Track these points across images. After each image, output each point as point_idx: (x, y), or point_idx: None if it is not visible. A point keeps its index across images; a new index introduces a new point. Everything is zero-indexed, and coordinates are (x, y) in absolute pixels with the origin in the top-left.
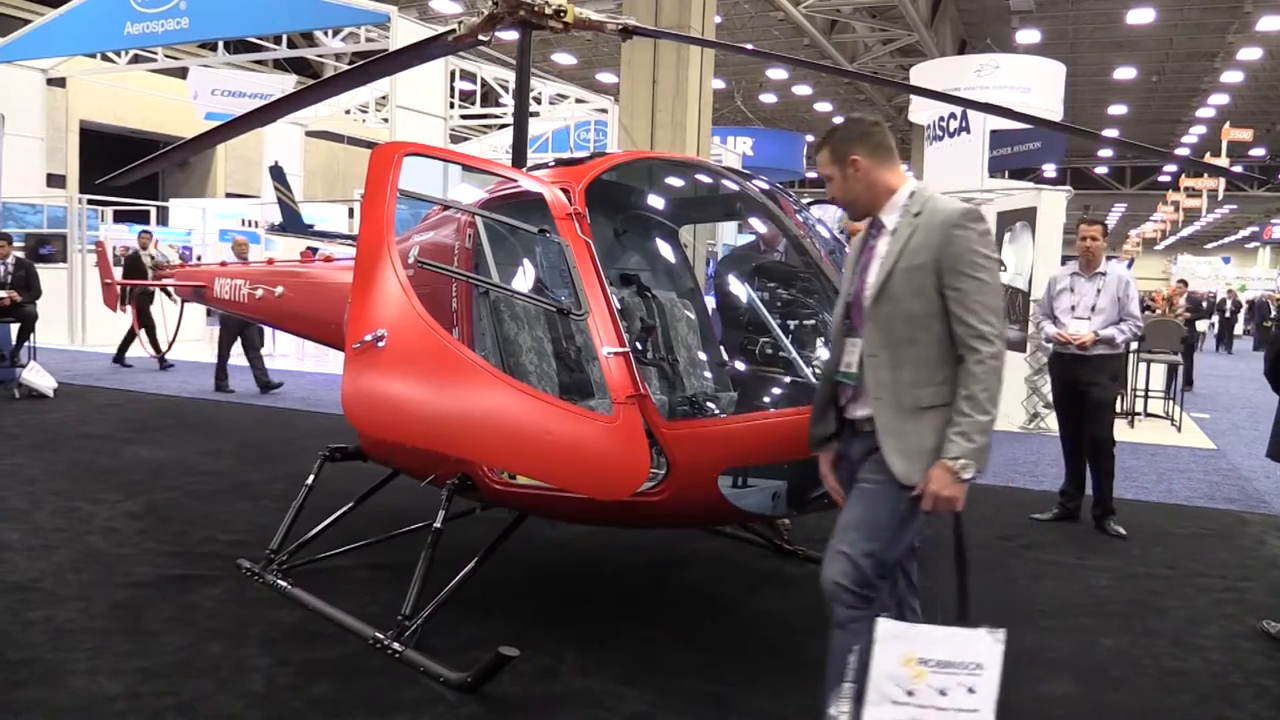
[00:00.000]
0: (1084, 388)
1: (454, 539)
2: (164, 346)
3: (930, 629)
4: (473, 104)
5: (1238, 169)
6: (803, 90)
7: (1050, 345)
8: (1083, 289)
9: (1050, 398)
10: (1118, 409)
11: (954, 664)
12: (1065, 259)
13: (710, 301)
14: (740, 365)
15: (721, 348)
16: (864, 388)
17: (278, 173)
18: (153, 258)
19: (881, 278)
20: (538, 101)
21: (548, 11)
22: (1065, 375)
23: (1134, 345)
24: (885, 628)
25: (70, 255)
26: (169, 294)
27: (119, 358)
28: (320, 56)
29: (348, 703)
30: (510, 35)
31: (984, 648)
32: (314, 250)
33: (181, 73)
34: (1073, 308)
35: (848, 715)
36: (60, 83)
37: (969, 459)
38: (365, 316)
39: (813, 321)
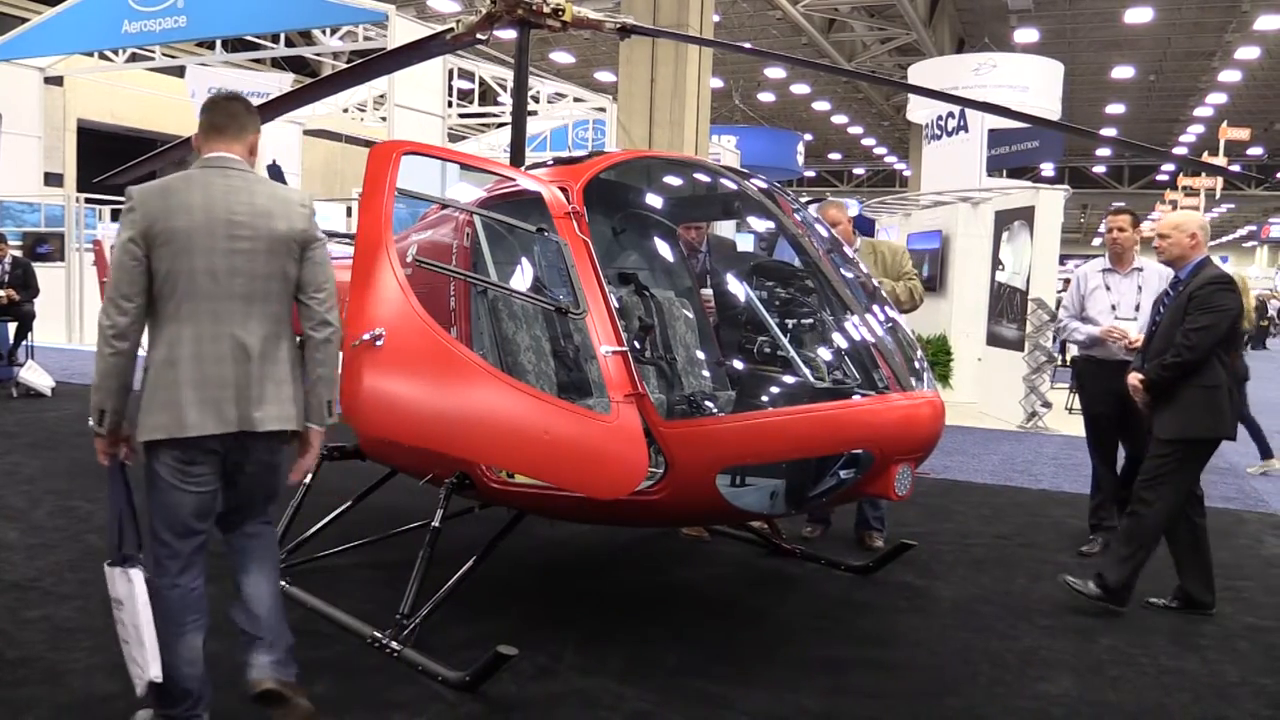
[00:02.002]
0: (1127, 398)
1: (452, 538)
2: None
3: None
4: (471, 102)
5: (1235, 168)
6: (801, 89)
7: (1082, 350)
8: (1120, 287)
9: (1047, 397)
10: None
11: (117, 600)
12: (1064, 258)
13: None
14: (738, 364)
15: (719, 346)
16: None
17: (275, 171)
18: None
19: None
20: (536, 100)
21: (546, 10)
22: (1105, 384)
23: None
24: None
25: (68, 254)
26: None
27: None
28: (318, 55)
29: (346, 701)
30: (508, 34)
31: (121, 585)
32: None
33: (179, 71)
34: (1114, 307)
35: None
36: (58, 81)
37: None
38: (363, 315)
39: (811, 321)
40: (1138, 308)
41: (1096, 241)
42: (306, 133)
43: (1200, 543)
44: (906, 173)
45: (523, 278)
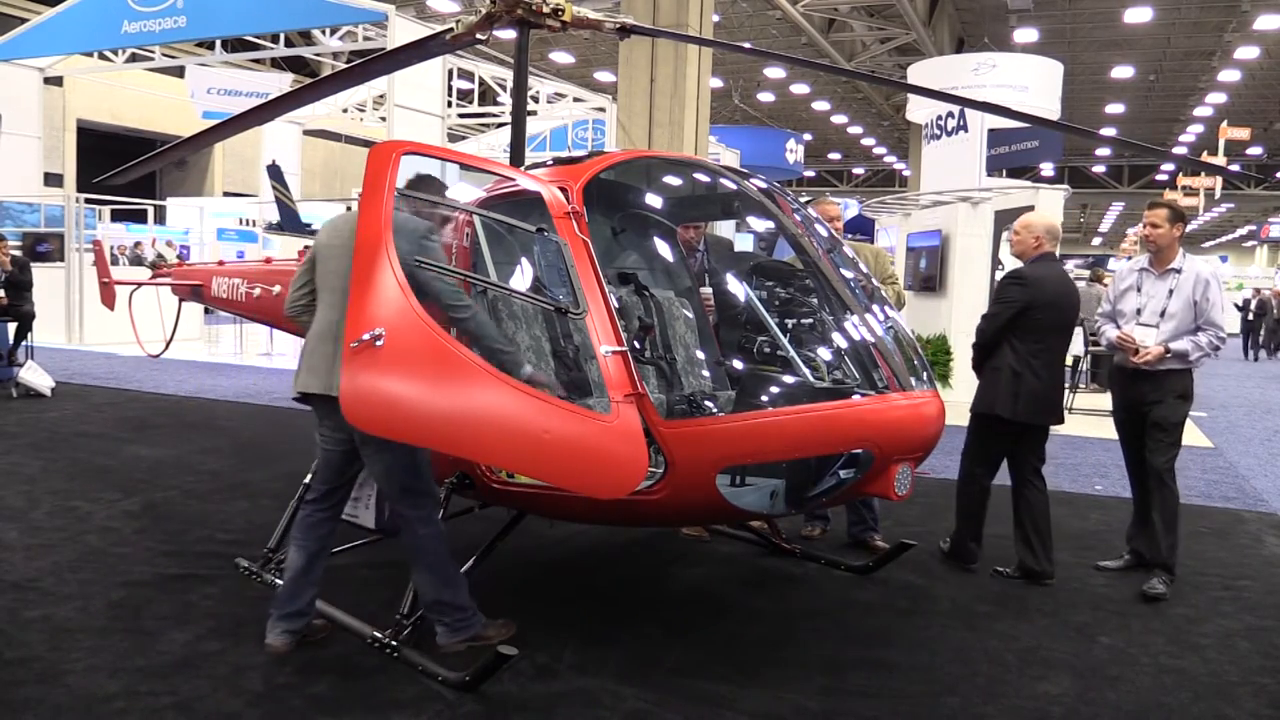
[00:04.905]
0: (1146, 407)
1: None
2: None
3: None
4: (470, 102)
5: (1235, 168)
6: (800, 89)
7: (1113, 354)
8: (1151, 289)
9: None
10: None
11: None
12: (1064, 258)
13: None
14: (738, 364)
15: (719, 346)
16: None
17: (275, 172)
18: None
19: None
20: (535, 100)
21: (545, 10)
22: (1126, 392)
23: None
24: None
25: (68, 254)
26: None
27: None
28: (318, 55)
29: (346, 701)
30: (508, 34)
31: None
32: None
33: (179, 71)
34: (1139, 311)
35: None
36: (57, 81)
37: None
38: (363, 315)
39: (811, 320)
40: (1163, 314)
41: (1097, 241)
42: (306, 133)
43: (1041, 515)
44: (906, 172)
45: (522, 278)
